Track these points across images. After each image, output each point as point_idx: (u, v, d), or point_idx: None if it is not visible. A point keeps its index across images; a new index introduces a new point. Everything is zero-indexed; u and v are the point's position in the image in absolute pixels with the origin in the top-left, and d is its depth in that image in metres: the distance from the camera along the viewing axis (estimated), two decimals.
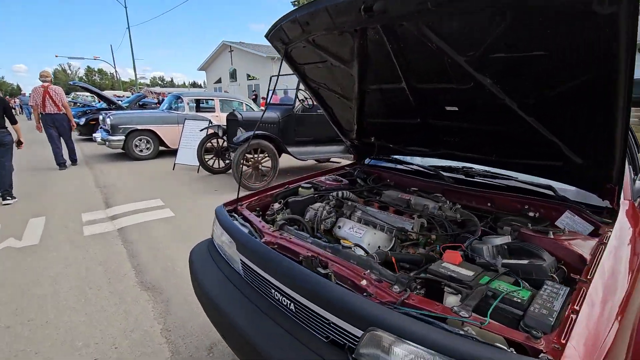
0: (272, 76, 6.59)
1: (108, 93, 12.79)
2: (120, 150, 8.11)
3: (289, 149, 5.68)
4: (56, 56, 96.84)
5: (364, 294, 1.05)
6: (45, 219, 4.04)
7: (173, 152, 8.50)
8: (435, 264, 1.15)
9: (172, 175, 6.34)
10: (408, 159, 2.24)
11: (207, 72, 30.84)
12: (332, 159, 7.02)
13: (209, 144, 6.30)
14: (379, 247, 1.54)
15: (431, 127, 1.90)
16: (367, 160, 2.57)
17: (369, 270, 1.15)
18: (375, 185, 2.15)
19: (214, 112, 8.60)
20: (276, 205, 1.88)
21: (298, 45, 1.86)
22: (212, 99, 8.68)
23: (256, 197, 1.95)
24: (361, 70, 1.81)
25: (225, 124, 6.07)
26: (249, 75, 25.62)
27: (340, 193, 1.94)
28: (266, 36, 1.92)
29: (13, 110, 5.28)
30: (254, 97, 18.43)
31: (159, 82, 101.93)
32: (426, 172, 2.10)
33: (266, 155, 5.43)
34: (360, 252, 1.41)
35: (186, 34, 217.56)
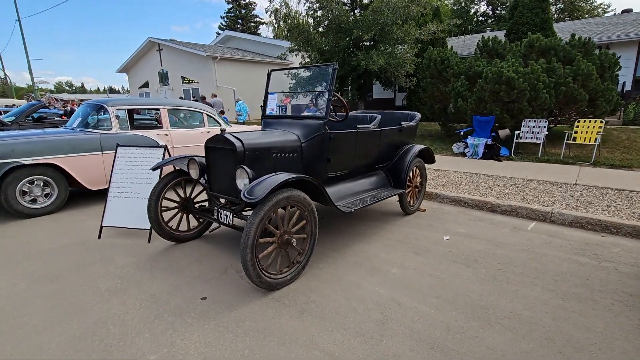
0: (272, 70, 4.02)
1: None
2: None
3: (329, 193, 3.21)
4: None
5: None
6: None
7: (92, 197, 5.29)
8: None
9: (101, 256, 3.39)
10: None
11: (130, 74, 25.95)
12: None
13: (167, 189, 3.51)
14: None
15: None
16: None
17: None
18: None
19: (159, 128, 5.62)
20: None
21: None
22: (157, 109, 5.69)
23: None
24: None
25: (192, 153, 3.39)
26: (184, 78, 21.86)
27: None
28: None
29: None
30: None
31: (67, 87, 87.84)
32: None
33: (299, 214, 2.88)
34: None
35: (99, 35, 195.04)
